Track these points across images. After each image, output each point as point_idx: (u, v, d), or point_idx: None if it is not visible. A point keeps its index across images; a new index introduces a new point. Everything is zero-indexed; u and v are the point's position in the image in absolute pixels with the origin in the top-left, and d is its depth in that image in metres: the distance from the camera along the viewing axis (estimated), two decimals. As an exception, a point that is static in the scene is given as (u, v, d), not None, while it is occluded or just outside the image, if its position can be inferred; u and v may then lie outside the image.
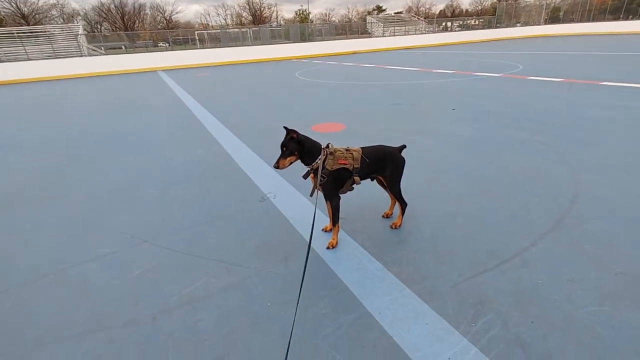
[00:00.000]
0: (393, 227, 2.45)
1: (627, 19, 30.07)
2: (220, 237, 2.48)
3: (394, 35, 27.01)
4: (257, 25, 44.83)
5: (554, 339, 1.52)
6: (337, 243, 2.26)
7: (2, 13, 39.19)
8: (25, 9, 41.63)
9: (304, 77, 11.66)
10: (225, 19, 57.81)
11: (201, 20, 58.92)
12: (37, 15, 42.33)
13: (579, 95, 6.38)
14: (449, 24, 35.65)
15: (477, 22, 35.85)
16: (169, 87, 11.31)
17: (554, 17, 34.70)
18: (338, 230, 2.27)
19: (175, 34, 28.33)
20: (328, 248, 2.24)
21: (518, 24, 34.19)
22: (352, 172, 2.12)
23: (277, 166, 1.99)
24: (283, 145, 1.99)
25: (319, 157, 2.03)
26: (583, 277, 1.87)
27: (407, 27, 30.10)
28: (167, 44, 27.73)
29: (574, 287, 1.81)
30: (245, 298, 1.88)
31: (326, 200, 2.21)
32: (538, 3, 34.99)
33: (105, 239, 2.54)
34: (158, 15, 54.44)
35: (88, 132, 5.89)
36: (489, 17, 35.19)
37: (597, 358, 1.42)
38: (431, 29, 32.00)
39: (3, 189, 3.64)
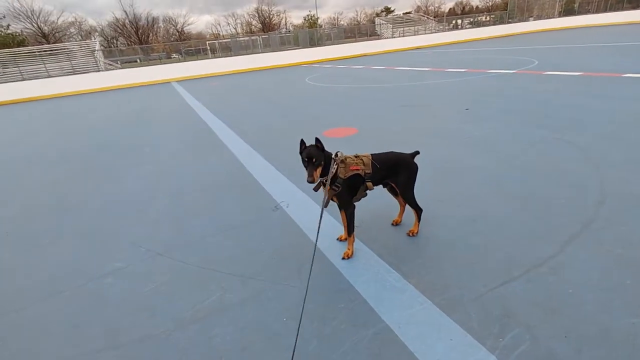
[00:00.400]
0: (410, 234, 2.37)
1: (647, 7, 28.92)
2: (234, 249, 2.45)
3: (404, 36, 26.82)
4: (266, 32, 45.37)
5: (590, 353, 1.41)
6: (352, 253, 2.19)
7: (25, 33, 40.96)
8: (46, 28, 43.39)
9: (314, 82, 11.67)
10: (235, 28, 58.74)
11: (212, 30, 60.10)
12: (57, 34, 44.06)
13: (600, 89, 6.12)
14: (459, 21, 35.17)
15: (488, 19, 35.24)
16: (182, 97, 11.51)
17: (568, 9, 33.72)
18: (354, 240, 2.21)
19: (187, 45, 28.94)
20: (344, 258, 2.17)
21: (531, 18, 33.39)
22: (364, 178, 2.07)
23: (311, 180, 1.89)
24: (311, 157, 1.89)
25: (332, 168, 1.98)
26: (618, 285, 1.75)
27: (416, 27, 29.83)
28: (179, 55, 28.36)
29: (608, 296, 1.69)
30: (261, 312, 1.83)
31: (340, 210, 2.16)
32: (551, -4, 34.12)
33: (120, 252, 2.55)
34: (170, 27, 55.82)
35: (104, 145, 6.02)
36: (500, 13, 34.54)
37: (639, 375, 1.31)
38: (441, 27, 31.63)
39: (22, 202, 3.74)
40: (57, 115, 10.72)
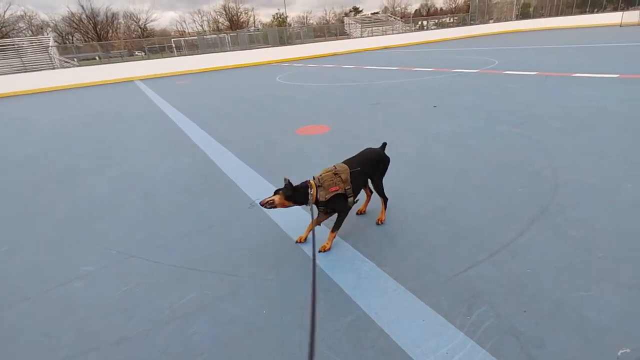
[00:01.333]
0: (379, 222, 2.49)
1: (592, 12, 31.38)
2: (211, 247, 2.44)
3: (372, 36, 27.32)
4: (234, 30, 44.47)
5: (546, 325, 1.56)
6: (330, 247, 2.25)
7: (-34, 27, 37.56)
8: (-9, 22, 40.05)
9: (285, 81, 11.64)
10: (202, 25, 57.02)
11: (177, 27, 57.96)
12: (3, 29, 40.74)
13: (553, 87, 6.61)
14: (424, 22, 36.30)
15: (451, 20, 36.69)
16: (148, 96, 11.08)
17: (524, 12, 35.88)
18: (335, 236, 2.27)
19: (151, 43, 27.81)
20: (320, 251, 2.23)
21: (491, 20, 35.15)
22: (346, 195, 2.16)
23: (262, 202, 2.09)
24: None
25: (310, 194, 2.08)
26: (569, 263, 1.93)
27: (384, 27, 30.46)
28: (143, 53, 27.18)
29: (561, 273, 1.86)
30: (241, 307, 1.85)
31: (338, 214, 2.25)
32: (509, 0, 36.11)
33: (90, 256, 2.46)
34: (132, 24, 53.24)
35: (67, 147, 5.70)
36: (463, 15, 36.08)
37: (586, 341, 1.46)
38: (408, 28, 32.52)
39: (-23, 211, 3.48)
40: (9, 116, 9.97)
